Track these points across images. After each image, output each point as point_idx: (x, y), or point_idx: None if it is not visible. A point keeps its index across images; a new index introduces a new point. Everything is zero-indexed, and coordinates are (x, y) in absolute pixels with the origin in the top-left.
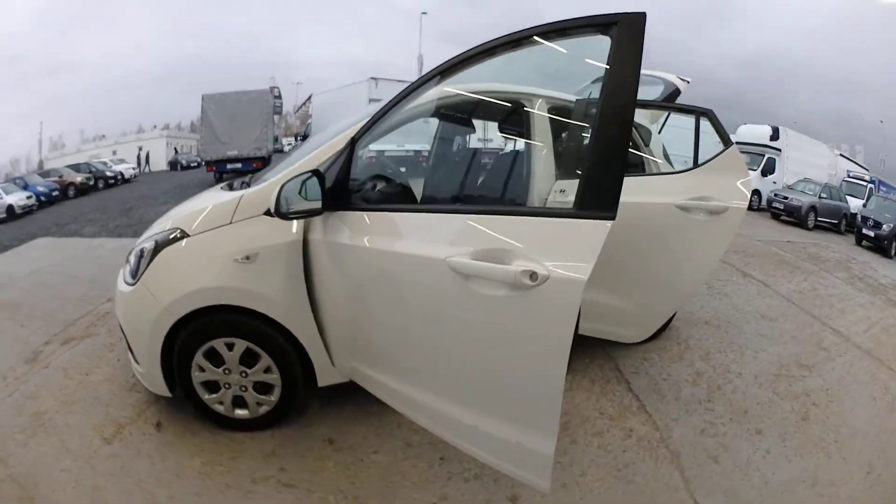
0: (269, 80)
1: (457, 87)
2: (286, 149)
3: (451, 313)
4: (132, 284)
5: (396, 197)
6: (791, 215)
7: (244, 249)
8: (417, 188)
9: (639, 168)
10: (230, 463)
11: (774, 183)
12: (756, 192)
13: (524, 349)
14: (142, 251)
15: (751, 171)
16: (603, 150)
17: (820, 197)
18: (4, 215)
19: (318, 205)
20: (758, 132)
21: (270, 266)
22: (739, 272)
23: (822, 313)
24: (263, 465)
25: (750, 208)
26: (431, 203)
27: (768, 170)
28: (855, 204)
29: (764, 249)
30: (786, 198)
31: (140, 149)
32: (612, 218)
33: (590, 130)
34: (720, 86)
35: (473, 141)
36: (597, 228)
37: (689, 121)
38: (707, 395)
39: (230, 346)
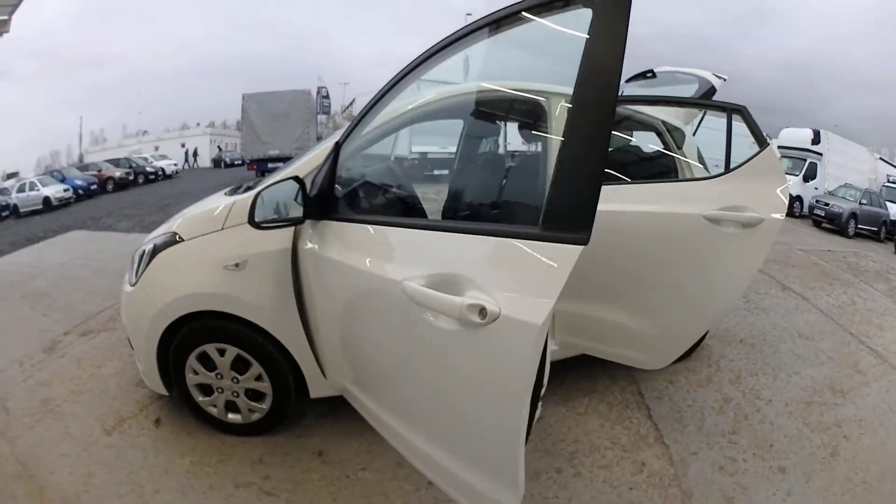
0: (316, 80)
1: (467, 86)
2: None
3: (410, 342)
4: (133, 285)
5: (381, 207)
6: (832, 222)
7: (234, 256)
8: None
9: (672, 174)
10: (218, 465)
11: (816, 189)
12: (798, 199)
13: (477, 393)
14: (143, 253)
15: (793, 177)
16: (575, 154)
17: (860, 203)
18: (41, 207)
19: (299, 213)
20: (799, 136)
21: (259, 274)
22: (779, 284)
23: (860, 330)
24: (249, 470)
25: (792, 215)
26: (423, 215)
27: (810, 175)
28: (894, 210)
29: (804, 259)
30: (827, 204)
31: (183, 145)
32: (585, 242)
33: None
34: (760, 88)
35: (484, 145)
36: (564, 255)
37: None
38: (732, 425)
39: (222, 352)
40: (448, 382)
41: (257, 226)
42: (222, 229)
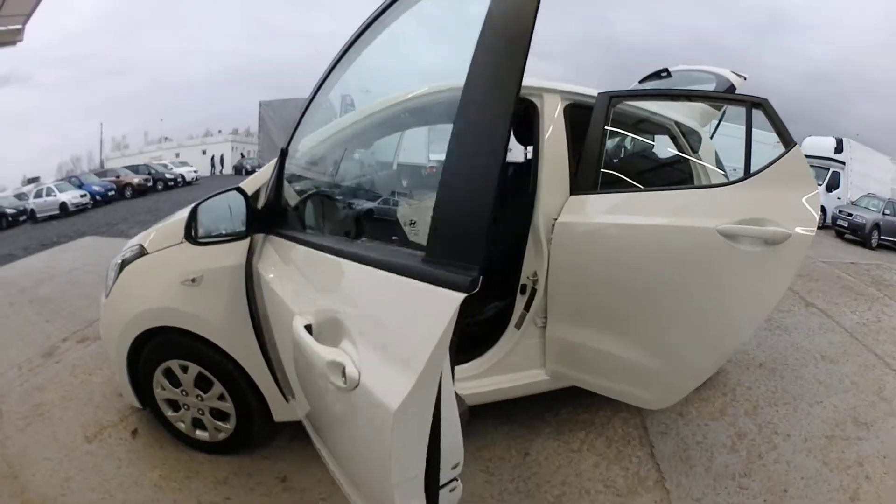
0: None
1: (437, 86)
2: None
3: (314, 386)
4: (107, 297)
5: (324, 224)
6: (855, 233)
7: (190, 271)
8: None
9: (685, 181)
10: (184, 481)
11: (839, 199)
12: (821, 209)
13: (365, 462)
14: (115, 264)
15: None
16: (461, 162)
17: (883, 213)
18: (58, 212)
19: (242, 228)
20: (822, 145)
21: (215, 291)
22: (802, 301)
23: (885, 351)
24: (212, 490)
25: None
26: (390, 233)
27: (833, 184)
28: None
29: (828, 273)
30: (850, 215)
31: (204, 152)
32: (468, 288)
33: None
34: (782, 97)
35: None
36: (442, 304)
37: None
38: (744, 465)
39: (185, 369)
40: (346, 438)
41: (195, 241)
42: (181, 243)
